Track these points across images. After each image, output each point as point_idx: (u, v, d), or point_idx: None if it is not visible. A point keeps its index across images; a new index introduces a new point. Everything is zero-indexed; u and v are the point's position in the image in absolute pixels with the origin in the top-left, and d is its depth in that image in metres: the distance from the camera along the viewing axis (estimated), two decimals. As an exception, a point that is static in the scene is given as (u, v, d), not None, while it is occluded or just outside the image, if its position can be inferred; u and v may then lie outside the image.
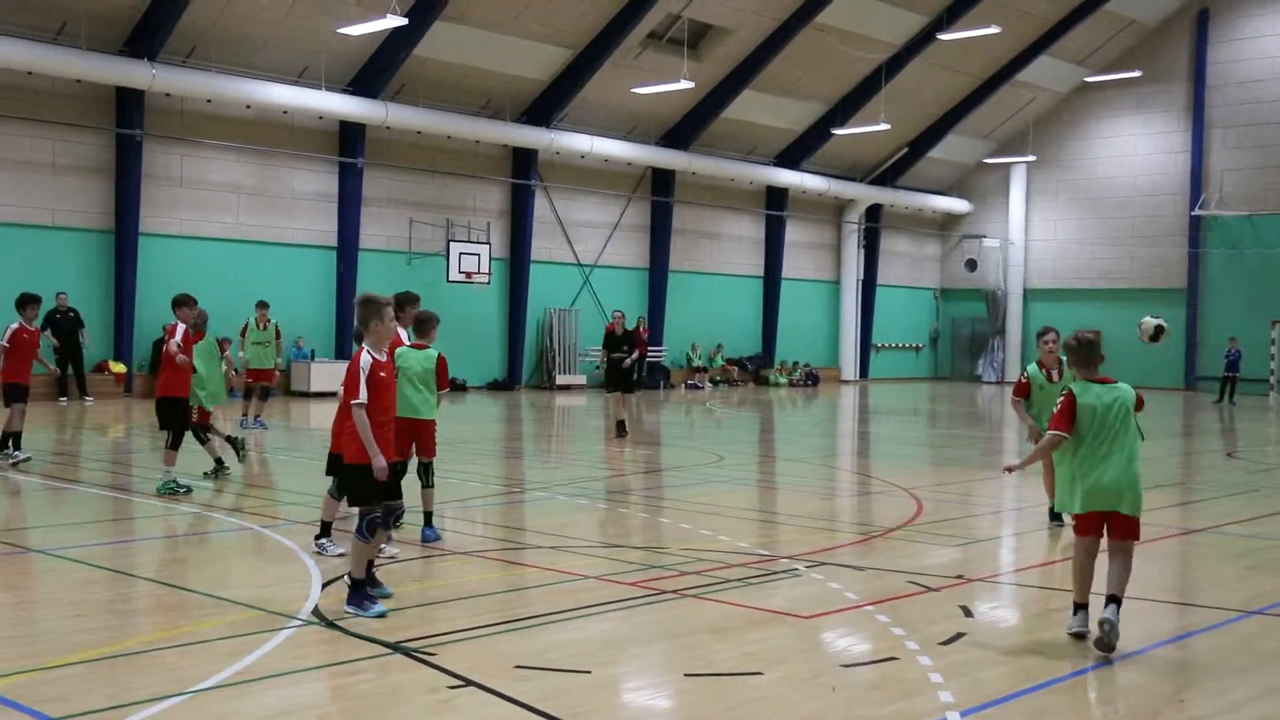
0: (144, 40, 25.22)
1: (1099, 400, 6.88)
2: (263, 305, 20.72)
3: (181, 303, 12.60)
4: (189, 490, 12.11)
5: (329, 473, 9.27)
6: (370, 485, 7.35)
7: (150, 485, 12.34)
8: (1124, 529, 6.86)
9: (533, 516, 11.72)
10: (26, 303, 14.62)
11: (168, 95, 26.23)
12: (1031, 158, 42.21)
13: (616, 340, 19.86)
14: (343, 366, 8.59)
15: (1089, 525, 6.91)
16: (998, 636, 7.25)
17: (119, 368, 26.09)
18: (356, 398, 7.32)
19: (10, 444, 14.30)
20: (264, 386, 20.04)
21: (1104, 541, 6.94)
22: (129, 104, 25.78)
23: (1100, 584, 6.88)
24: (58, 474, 13.83)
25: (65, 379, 24.36)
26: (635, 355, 20.00)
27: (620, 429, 19.38)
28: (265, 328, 20.26)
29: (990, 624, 7.54)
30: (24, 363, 14.54)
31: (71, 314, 24.31)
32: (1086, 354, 7.02)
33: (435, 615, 7.31)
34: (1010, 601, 8.40)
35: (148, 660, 6.29)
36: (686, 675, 6.21)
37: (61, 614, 7.32)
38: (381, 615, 7.13)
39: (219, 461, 13.34)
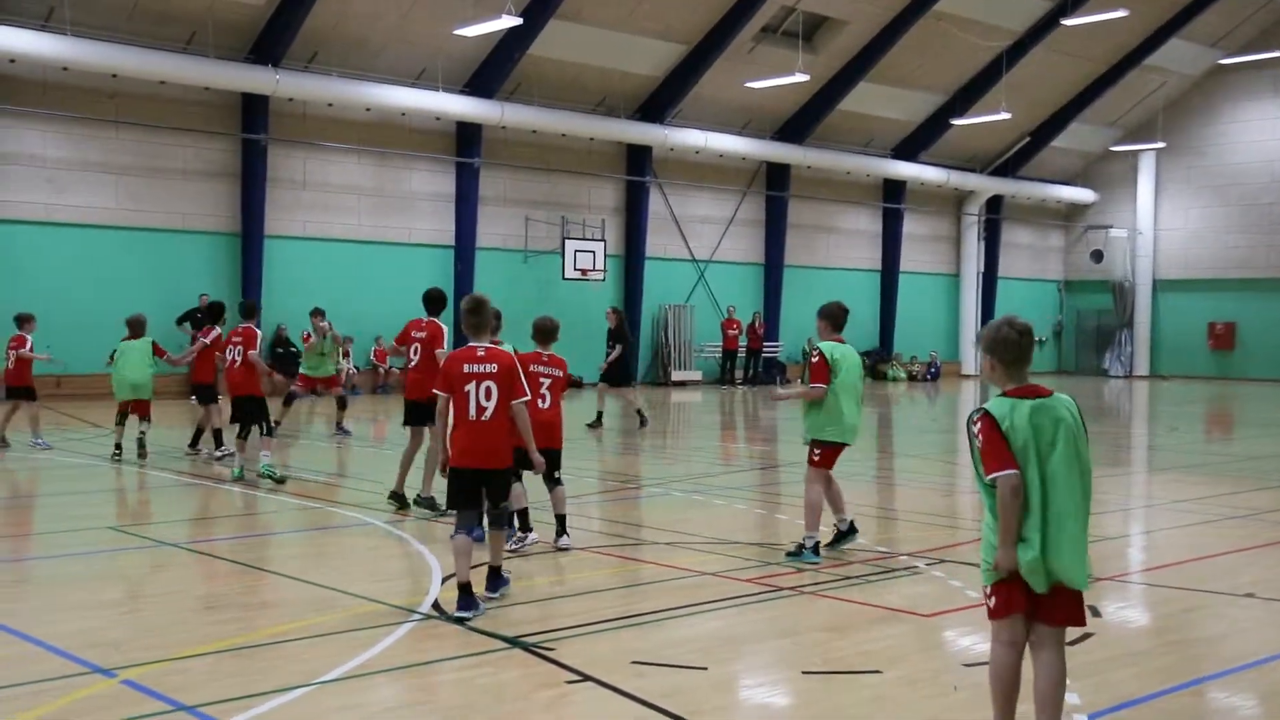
0: (268, 47, 25.92)
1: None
2: (316, 313, 19.00)
3: (255, 310, 14.17)
4: (284, 480, 12.89)
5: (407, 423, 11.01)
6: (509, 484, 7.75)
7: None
8: None
9: (649, 513, 11.74)
10: (222, 312, 15.70)
11: (291, 100, 26.91)
12: (1161, 145, 40.87)
13: (612, 335, 20.61)
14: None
15: None
16: (1127, 637, 7.04)
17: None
18: (525, 395, 7.53)
19: (198, 440, 15.67)
20: (337, 395, 18.58)
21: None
22: (254, 110, 26.51)
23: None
24: (188, 470, 14.27)
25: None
26: (616, 351, 20.64)
27: (641, 418, 19.78)
28: (323, 336, 18.39)
29: (1119, 624, 7.32)
30: (211, 364, 15.48)
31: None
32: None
33: (553, 610, 7.36)
34: (1140, 601, 8.15)
35: (274, 652, 6.45)
36: (804, 673, 6.15)
37: (192, 606, 7.55)
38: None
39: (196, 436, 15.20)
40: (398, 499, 11.25)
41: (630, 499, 12.66)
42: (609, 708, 5.56)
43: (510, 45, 28.29)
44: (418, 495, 11.28)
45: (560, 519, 9.40)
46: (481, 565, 7.75)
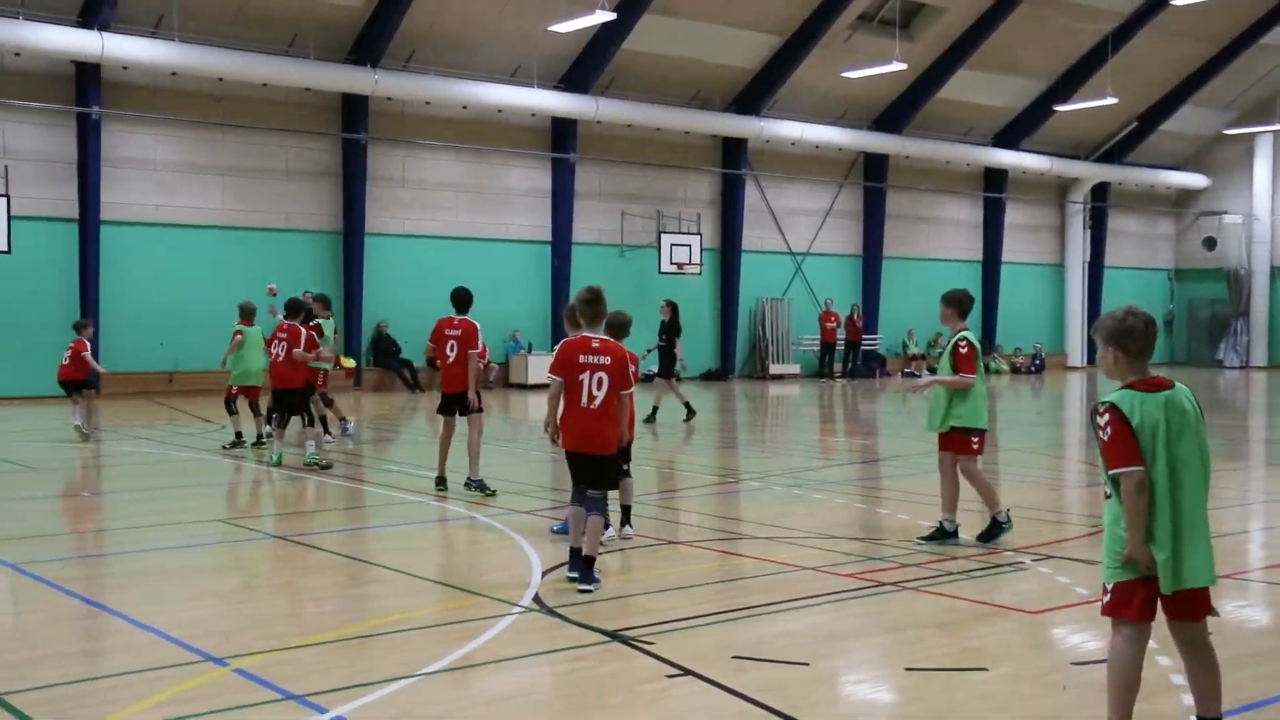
0: (367, 48, 26.35)
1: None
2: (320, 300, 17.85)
3: (300, 308, 14.84)
4: (329, 466, 13.65)
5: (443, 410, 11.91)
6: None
7: (375, 474, 12.88)
8: None
9: (748, 507, 11.70)
10: (301, 308, 15.86)
11: (389, 99, 27.32)
12: (1279, 127, 39.58)
13: (665, 327, 20.68)
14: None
15: None
16: (1247, 637, 6.83)
17: (349, 362, 27.33)
18: (632, 387, 8.04)
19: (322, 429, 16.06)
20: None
21: None
22: (354, 109, 26.98)
23: None
24: (293, 464, 14.57)
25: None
26: (665, 343, 20.47)
27: (689, 410, 19.76)
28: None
29: (1238, 624, 7.11)
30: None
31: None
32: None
33: (653, 604, 7.38)
34: (1260, 600, 7.91)
35: (379, 643, 6.56)
36: (907, 669, 6.08)
37: (301, 597, 7.71)
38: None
39: (239, 435, 15.44)
40: (440, 483, 12.03)
41: (729, 493, 12.64)
42: (710, 702, 5.55)
43: (604, 40, 28.38)
44: (467, 478, 11.83)
45: (625, 509, 9.51)
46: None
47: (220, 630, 6.74)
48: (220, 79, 25.19)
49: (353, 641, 6.59)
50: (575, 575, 7.71)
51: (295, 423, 14.70)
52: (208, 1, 24.59)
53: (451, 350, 11.95)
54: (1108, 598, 4.80)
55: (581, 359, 7.88)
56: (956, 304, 9.29)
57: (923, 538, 9.30)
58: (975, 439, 9.28)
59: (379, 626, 6.89)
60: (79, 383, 17.21)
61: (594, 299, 8.06)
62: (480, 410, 11.96)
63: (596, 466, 7.89)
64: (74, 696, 5.57)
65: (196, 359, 24.28)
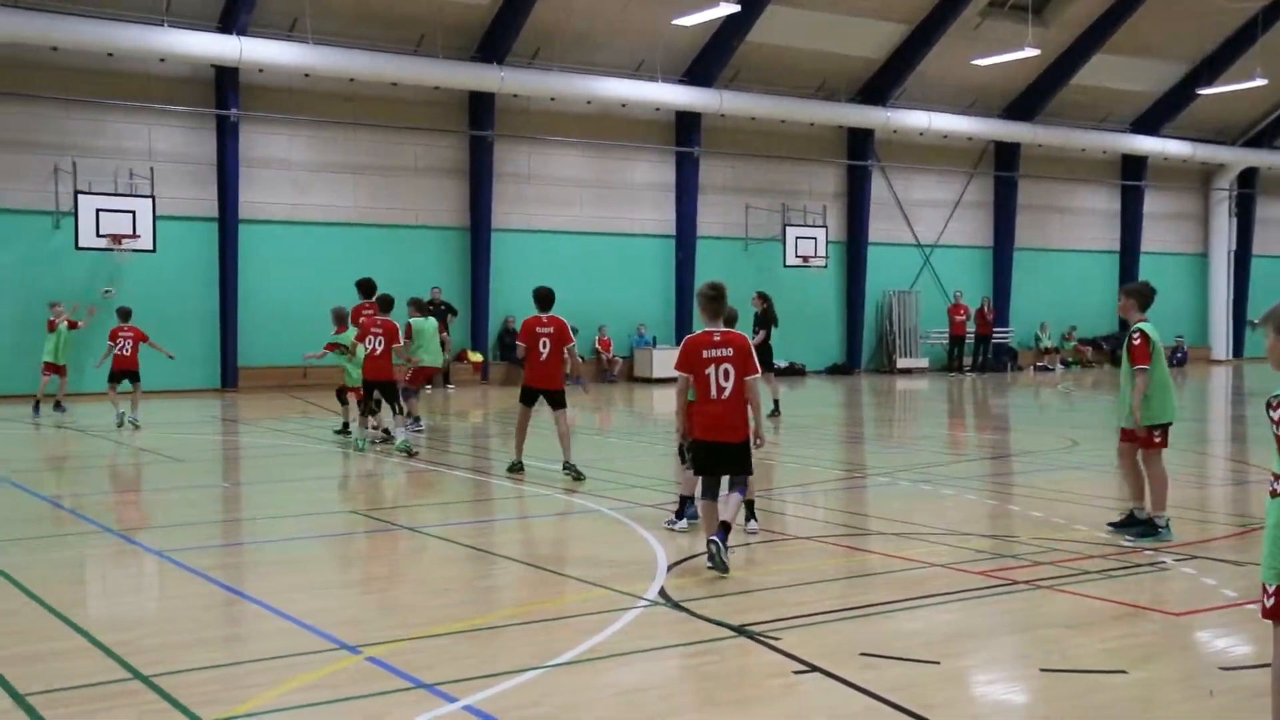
0: (493, 45, 26.71)
1: None
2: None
3: (392, 304, 15.43)
4: (416, 453, 14.43)
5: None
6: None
7: (502, 468, 13.04)
8: None
9: (875, 502, 11.56)
10: (391, 303, 16.17)
11: (515, 96, 27.65)
12: None
13: (759, 319, 20.73)
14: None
15: None
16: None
17: (476, 357, 27.76)
18: (757, 372, 8.12)
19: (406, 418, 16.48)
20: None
21: None
22: (481, 107, 27.38)
23: None
24: (424, 457, 14.86)
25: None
26: (760, 336, 20.17)
27: (775, 406, 19.48)
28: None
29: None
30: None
31: (443, 306, 26.00)
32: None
33: (780, 599, 7.34)
34: None
35: (507, 634, 6.65)
36: (1042, 670, 5.94)
37: (430, 588, 7.86)
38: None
39: (386, 431, 15.74)
40: (517, 468, 12.74)
41: (856, 488, 12.51)
42: (837, 699, 5.50)
43: (728, 33, 28.30)
44: (564, 463, 12.46)
45: (749, 505, 9.47)
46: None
47: (353, 619, 6.90)
48: (351, 79, 25.80)
49: (481, 632, 6.69)
50: (717, 539, 7.85)
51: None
52: (339, 3, 25.20)
53: (544, 347, 12.49)
54: (1270, 600, 4.57)
55: (705, 353, 8.10)
56: (1136, 295, 9.28)
57: (1112, 524, 9.37)
58: (1158, 433, 9.23)
59: (507, 617, 6.99)
60: (135, 373, 18.37)
61: (715, 294, 8.24)
62: (566, 404, 12.73)
63: (732, 454, 8.13)
64: (217, 680, 5.76)
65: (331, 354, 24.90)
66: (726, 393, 8.05)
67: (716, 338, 8.14)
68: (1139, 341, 9.09)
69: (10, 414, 20.30)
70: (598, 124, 29.06)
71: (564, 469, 12.42)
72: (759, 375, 8.21)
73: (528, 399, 12.78)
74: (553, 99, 28.18)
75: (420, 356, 16.87)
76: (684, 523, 9.47)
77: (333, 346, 16.33)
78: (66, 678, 5.73)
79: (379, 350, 14.78)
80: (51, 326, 20.37)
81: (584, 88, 27.83)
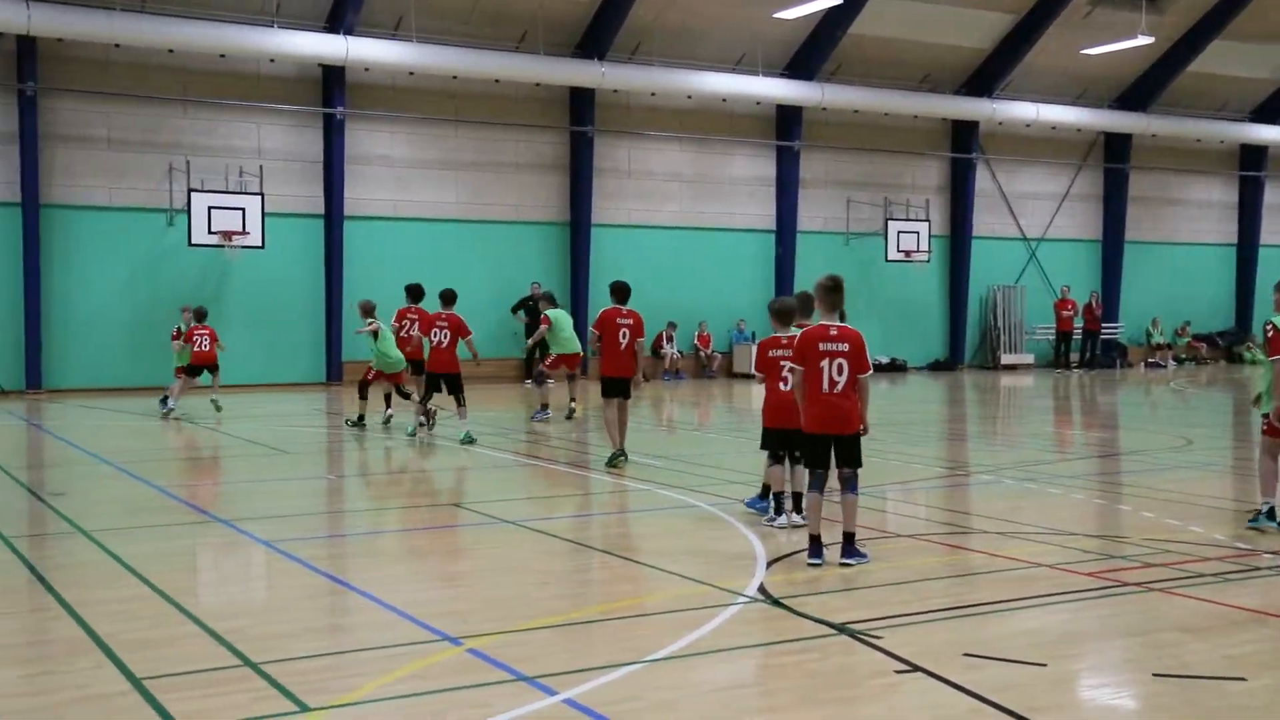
0: (594, 41, 26.83)
1: None
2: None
3: (454, 298, 15.71)
4: (474, 441, 14.98)
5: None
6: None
7: (600, 462, 13.10)
8: None
9: (978, 500, 11.38)
10: (421, 293, 17.26)
11: (615, 91, 27.75)
12: None
13: None
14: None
15: None
16: None
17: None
18: (870, 370, 8.24)
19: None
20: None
21: None
22: (581, 102, 27.53)
23: None
24: (524, 450, 15.00)
25: (532, 361, 26.40)
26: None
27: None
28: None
29: None
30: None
31: (535, 303, 26.13)
32: None
33: (881, 598, 7.26)
34: None
35: (605, 628, 6.68)
36: (1155, 675, 5.79)
37: (530, 581, 7.92)
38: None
39: (429, 414, 16.02)
40: (620, 457, 13.04)
41: (959, 486, 12.32)
42: (940, 699, 5.42)
43: (831, 25, 28.07)
44: (616, 450, 13.04)
45: (797, 497, 9.50)
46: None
47: (455, 610, 6.98)
48: (454, 77, 26.12)
49: (581, 626, 6.72)
50: (817, 562, 7.98)
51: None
52: (443, 2, 25.52)
53: (623, 338, 13.15)
54: None
55: (821, 346, 8.16)
56: None
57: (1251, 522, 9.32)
58: None
59: (605, 611, 7.01)
60: (214, 364, 19.23)
61: (834, 287, 8.31)
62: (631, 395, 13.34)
63: (843, 446, 8.20)
64: (323, 669, 5.87)
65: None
66: (839, 387, 8.12)
67: (833, 331, 8.19)
68: (1272, 334, 9.24)
69: (126, 407, 20.94)
70: (697, 118, 29.03)
71: (614, 456, 13.03)
72: (872, 373, 8.29)
73: (608, 390, 13.29)
74: (653, 94, 28.21)
75: (561, 346, 18.19)
76: (783, 519, 9.46)
77: (372, 331, 17.12)
78: (180, 663, 5.89)
79: (445, 343, 15.31)
80: (188, 337, 19.99)
81: (684, 82, 27.81)
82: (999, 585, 7.59)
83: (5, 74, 22.94)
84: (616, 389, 13.20)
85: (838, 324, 8.25)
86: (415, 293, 17.25)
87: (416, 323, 16.69)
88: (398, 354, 17.05)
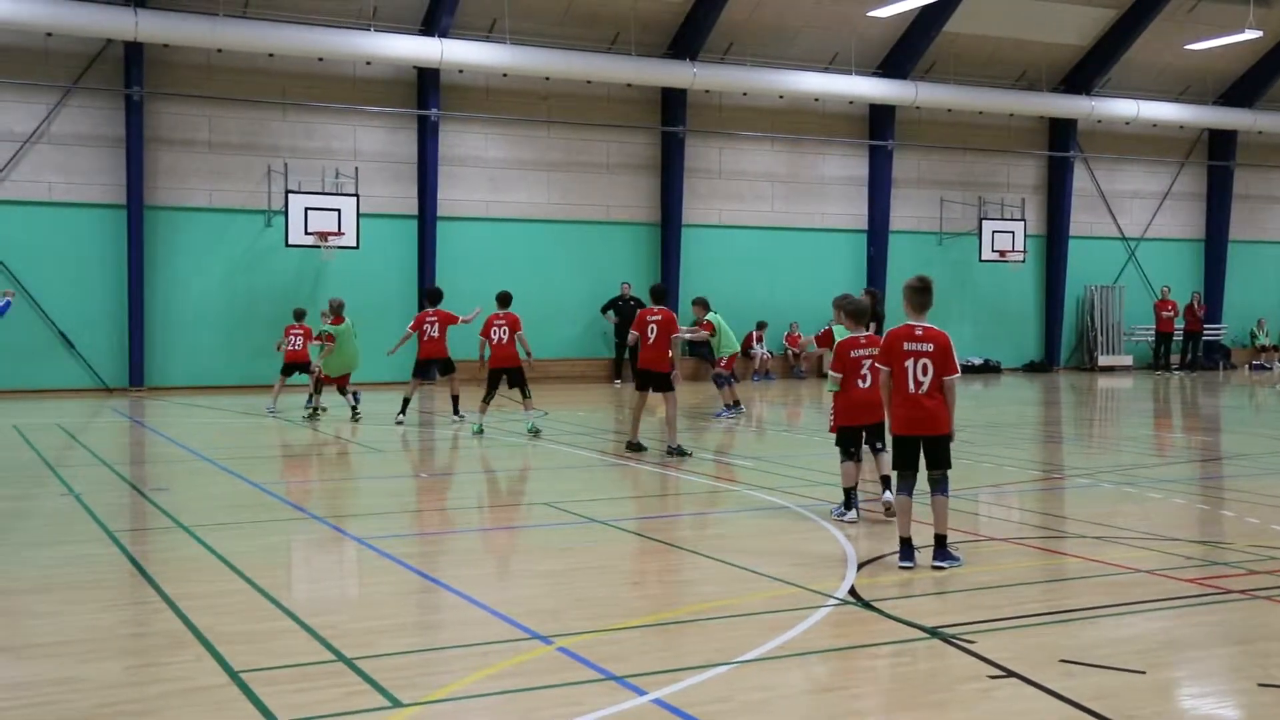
0: (686, 42, 26.83)
1: None
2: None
3: (510, 298, 16.79)
4: (539, 432, 15.95)
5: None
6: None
7: (689, 461, 13.10)
8: None
9: (1074, 504, 11.16)
10: (439, 296, 18.58)
11: (707, 92, 27.72)
12: None
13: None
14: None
15: None
16: None
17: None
18: (957, 372, 8.18)
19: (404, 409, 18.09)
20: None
21: None
22: (673, 103, 27.55)
23: None
24: (612, 451, 15.04)
25: (621, 361, 26.51)
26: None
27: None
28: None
29: None
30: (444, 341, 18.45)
31: (633, 302, 26.24)
32: None
33: (974, 602, 7.16)
34: None
35: (696, 629, 6.67)
36: (1260, 685, 5.63)
37: (621, 581, 7.95)
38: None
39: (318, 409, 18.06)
40: (633, 447, 14.27)
41: (1054, 489, 12.10)
42: (1035, 706, 5.33)
43: (926, 23, 27.76)
44: (668, 446, 13.95)
45: (885, 479, 9.85)
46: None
47: (545, 609, 7.03)
48: (547, 78, 26.30)
49: (670, 626, 6.73)
50: (908, 565, 7.99)
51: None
52: (537, 4, 25.72)
53: (651, 333, 14.20)
54: None
55: (906, 347, 8.14)
56: None
57: None
58: None
59: (696, 612, 7.00)
60: (306, 365, 19.60)
61: (922, 287, 8.28)
62: (674, 388, 14.23)
63: (933, 447, 8.17)
64: (416, 665, 5.95)
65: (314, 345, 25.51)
66: (924, 387, 8.08)
67: (919, 332, 8.15)
68: None
69: (224, 404, 21.42)
70: (789, 118, 28.89)
71: (667, 451, 13.87)
72: (959, 375, 8.22)
73: (641, 383, 14.45)
74: (745, 94, 28.13)
75: (730, 346, 19.32)
76: (853, 513, 9.79)
77: (324, 337, 18.30)
78: (276, 657, 6.02)
79: (505, 339, 16.29)
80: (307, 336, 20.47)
81: (776, 82, 27.69)
82: (1096, 590, 7.44)
83: (113, 79, 23.62)
84: (646, 381, 14.34)
85: (924, 324, 8.20)
86: (434, 296, 18.64)
87: (437, 323, 18.08)
88: (350, 357, 18.41)
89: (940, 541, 8.08)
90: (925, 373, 8.08)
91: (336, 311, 18.52)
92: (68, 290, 23.54)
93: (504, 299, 16.87)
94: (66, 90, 23.39)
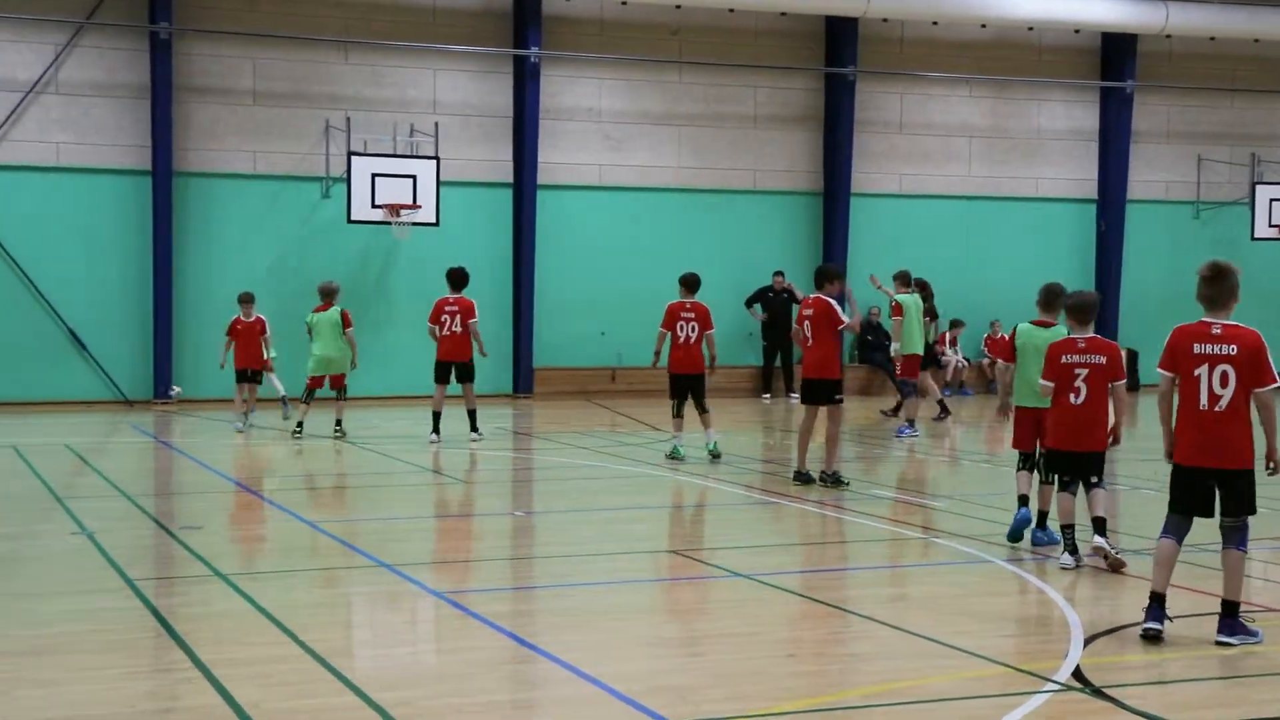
0: (857, -45, 26.68)
1: None
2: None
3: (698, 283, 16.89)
4: (719, 454, 16.29)
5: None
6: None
7: (857, 500, 13.00)
8: None
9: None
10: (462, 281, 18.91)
11: (885, 21, 27.51)
12: None
13: None
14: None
15: None
16: None
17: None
18: (1275, 382, 7.92)
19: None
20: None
21: None
22: (840, 36, 27.39)
23: None
24: (760, 485, 14.99)
25: (771, 370, 26.40)
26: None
27: (942, 408, 21.77)
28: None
29: None
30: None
31: (784, 295, 26.07)
32: None
33: (1238, 692, 6.98)
34: None
35: (868, 716, 6.62)
36: None
37: (773, 652, 7.92)
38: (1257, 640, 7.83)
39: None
40: (802, 478, 14.42)
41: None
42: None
43: (1176, -76, 27.20)
44: (822, 471, 14.28)
45: (1099, 522, 9.95)
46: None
47: (674, 686, 7.03)
48: (678, 5, 26.30)
49: (838, 713, 6.69)
50: (1156, 627, 7.87)
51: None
52: (663, -89, 25.78)
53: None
54: None
55: (1196, 349, 8.00)
56: None
57: None
58: None
59: (868, 696, 6.95)
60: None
61: (1213, 276, 8.07)
62: (840, 400, 14.47)
63: (1230, 485, 7.94)
64: (507, 753, 6.01)
65: (643, 352, 25.58)
66: (1222, 403, 7.86)
67: (1215, 330, 7.97)
68: None
69: (270, 422, 21.89)
70: (994, 54, 28.54)
71: (819, 477, 14.33)
72: (1277, 386, 7.96)
73: (805, 396, 14.80)
74: (935, 23, 27.86)
75: (913, 343, 19.81)
76: (1070, 559, 9.94)
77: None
78: (335, 739, 6.13)
79: (693, 338, 16.28)
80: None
81: (977, 6, 27.36)
82: None
83: (136, 13, 24.15)
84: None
85: (1224, 323, 7.97)
86: (456, 279, 18.82)
87: (458, 315, 18.51)
88: (331, 352, 18.96)
89: (1230, 610, 7.87)
90: (1225, 384, 7.85)
91: (324, 297, 19.24)
92: (79, 277, 24.10)
93: (458, 280, 18.04)
94: (78, 27, 24.02)
